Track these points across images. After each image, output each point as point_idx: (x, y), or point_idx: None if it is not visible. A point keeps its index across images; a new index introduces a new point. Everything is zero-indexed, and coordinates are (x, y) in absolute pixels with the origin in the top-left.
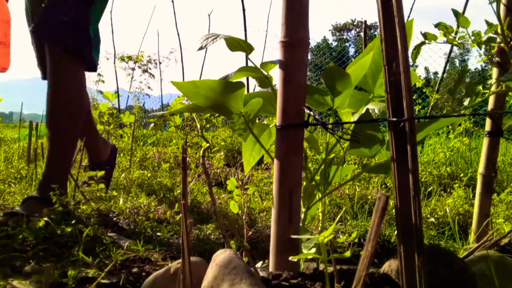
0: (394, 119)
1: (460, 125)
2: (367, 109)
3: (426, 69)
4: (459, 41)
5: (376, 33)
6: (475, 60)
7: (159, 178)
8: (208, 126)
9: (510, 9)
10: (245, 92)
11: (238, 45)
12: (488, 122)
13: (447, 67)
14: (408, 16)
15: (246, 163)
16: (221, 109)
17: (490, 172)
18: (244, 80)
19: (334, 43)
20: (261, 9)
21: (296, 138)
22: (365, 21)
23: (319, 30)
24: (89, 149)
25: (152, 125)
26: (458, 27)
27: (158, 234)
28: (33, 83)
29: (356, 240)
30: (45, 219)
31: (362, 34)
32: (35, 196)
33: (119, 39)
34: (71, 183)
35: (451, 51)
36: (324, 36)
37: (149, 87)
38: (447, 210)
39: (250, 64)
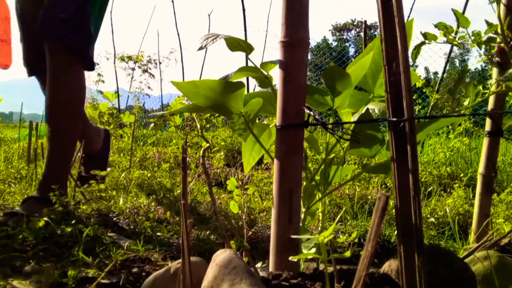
0: (394, 119)
1: (460, 125)
2: (367, 109)
3: (426, 69)
4: (459, 41)
5: (376, 33)
6: (475, 60)
7: (159, 178)
8: (208, 126)
9: (510, 9)
10: (245, 92)
11: (238, 45)
12: (488, 122)
13: (447, 67)
14: (408, 16)
15: (246, 163)
16: (221, 109)
17: (490, 172)
18: (244, 80)
19: (334, 43)
20: (261, 9)
21: (296, 138)
22: (365, 21)
23: (319, 30)
24: (82, 141)
25: (152, 125)
26: (458, 27)
27: (158, 234)
28: (33, 83)
29: (356, 240)
30: (45, 219)
31: (362, 34)
32: (35, 196)
33: (119, 39)
34: (71, 183)
35: (451, 51)
36: (324, 36)
37: (149, 87)
38: (447, 210)
39: (250, 64)
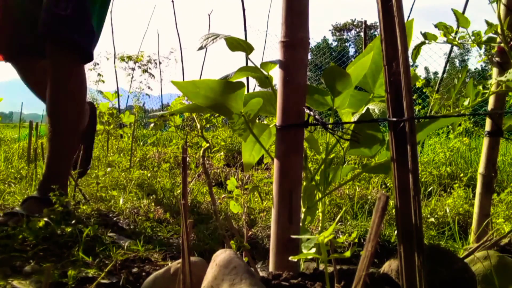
0: (394, 119)
1: (460, 125)
2: (367, 109)
3: (426, 69)
4: (459, 41)
5: (376, 33)
6: (475, 60)
7: (159, 178)
8: (208, 126)
9: (510, 9)
10: (245, 92)
11: (238, 45)
12: (488, 122)
13: (447, 67)
14: (408, 16)
15: (246, 163)
16: (221, 109)
17: (490, 172)
18: (244, 80)
19: (334, 43)
20: (261, 9)
21: (296, 138)
22: (365, 21)
23: (319, 30)
24: None
25: (152, 125)
26: (458, 27)
27: (158, 234)
28: None
29: (356, 240)
30: (45, 219)
31: (362, 34)
32: (35, 196)
33: (119, 39)
34: (71, 183)
35: (451, 51)
36: (324, 36)
37: (149, 87)
38: (447, 210)
39: (250, 64)
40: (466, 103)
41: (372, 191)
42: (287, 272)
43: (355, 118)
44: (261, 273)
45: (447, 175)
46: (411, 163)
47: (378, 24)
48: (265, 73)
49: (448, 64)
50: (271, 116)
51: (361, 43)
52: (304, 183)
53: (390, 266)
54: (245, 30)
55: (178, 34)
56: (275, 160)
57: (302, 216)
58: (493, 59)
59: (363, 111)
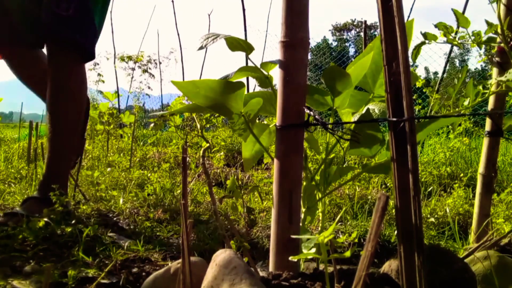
0: (394, 119)
1: (460, 125)
2: (367, 109)
3: (426, 69)
4: (459, 41)
5: (376, 33)
6: (475, 60)
7: (159, 178)
8: (208, 126)
9: (510, 9)
10: (245, 92)
11: (238, 45)
12: (488, 122)
13: (447, 67)
14: (408, 16)
15: (246, 163)
16: (221, 109)
17: (490, 172)
18: (244, 80)
19: (334, 43)
20: (261, 9)
21: (296, 138)
22: (365, 21)
23: (319, 30)
24: None
25: (152, 125)
26: (458, 27)
27: (158, 234)
28: None
29: (356, 240)
30: (45, 219)
31: (362, 34)
32: (35, 196)
33: (119, 39)
34: (71, 183)
35: (451, 51)
36: (324, 36)
37: (149, 87)
38: (447, 210)
39: (250, 64)
40: (466, 103)
41: (372, 191)
42: (287, 272)
43: (355, 118)
44: (261, 273)
45: (447, 175)
46: (411, 163)
47: (378, 24)
48: (265, 73)
49: (448, 64)
50: (271, 116)
51: (361, 43)
52: (304, 183)
53: (390, 266)
54: (245, 30)
55: (178, 34)
56: (275, 160)
57: (302, 216)
58: (493, 59)
59: (363, 111)
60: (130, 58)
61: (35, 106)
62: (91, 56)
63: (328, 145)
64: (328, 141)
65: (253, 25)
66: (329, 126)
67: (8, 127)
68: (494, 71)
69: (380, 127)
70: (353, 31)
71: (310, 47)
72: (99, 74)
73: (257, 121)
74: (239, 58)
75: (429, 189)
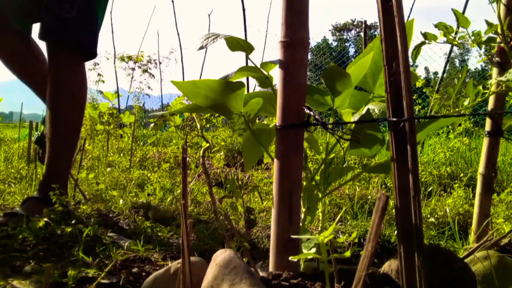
0: (394, 119)
1: (460, 125)
2: (367, 109)
3: (426, 69)
4: (459, 41)
5: (376, 33)
6: (475, 60)
7: (159, 178)
8: (208, 126)
9: (510, 9)
10: (245, 92)
11: (238, 45)
12: (488, 122)
13: (447, 67)
14: (408, 16)
15: (246, 163)
16: (221, 109)
17: (490, 172)
18: (244, 80)
19: (334, 43)
20: (261, 9)
21: (296, 138)
22: (365, 21)
23: (319, 30)
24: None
25: (152, 125)
26: (458, 27)
27: (158, 234)
28: None
29: (356, 240)
30: (45, 219)
31: (362, 34)
32: (35, 196)
33: (119, 39)
34: (71, 183)
35: (451, 51)
36: (324, 36)
37: (149, 87)
38: (447, 210)
39: (250, 64)
40: (466, 103)
41: (372, 191)
42: (287, 272)
43: (355, 118)
44: (261, 273)
45: (447, 175)
46: (411, 163)
47: (378, 24)
48: (265, 73)
49: (448, 64)
50: (271, 116)
51: (361, 43)
52: (304, 183)
53: (390, 266)
54: (245, 30)
55: (178, 34)
56: (275, 160)
57: (302, 216)
58: (493, 59)
59: (363, 111)
60: (130, 58)
61: (35, 106)
62: (92, 55)
63: (328, 145)
64: (328, 141)
65: (253, 25)
66: (329, 126)
67: (8, 127)
68: (494, 71)
69: (380, 127)
70: (353, 31)
71: (310, 47)
72: (99, 74)
73: (257, 121)
74: (239, 58)
75: (429, 189)
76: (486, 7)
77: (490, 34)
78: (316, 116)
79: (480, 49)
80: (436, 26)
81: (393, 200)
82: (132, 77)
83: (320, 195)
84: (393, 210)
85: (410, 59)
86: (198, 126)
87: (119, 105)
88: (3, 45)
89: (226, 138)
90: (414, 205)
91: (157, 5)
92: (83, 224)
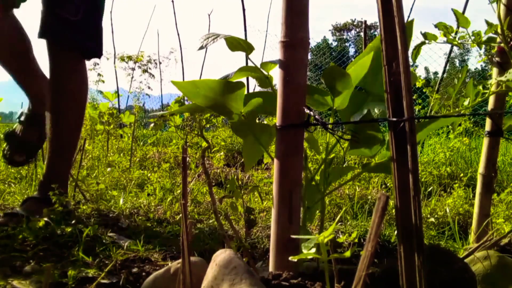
0: (394, 119)
1: (460, 125)
2: (367, 109)
3: (426, 69)
4: (459, 41)
5: (376, 33)
6: (475, 60)
7: (159, 178)
8: (208, 126)
9: (510, 9)
10: (245, 92)
11: (238, 45)
12: (488, 122)
13: (447, 67)
14: (408, 16)
15: (247, 163)
16: (221, 109)
17: (490, 172)
18: (244, 80)
19: (334, 43)
20: (261, 9)
21: (296, 138)
22: (365, 21)
23: (319, 30)
24: (34, 94)
25: (152, 125)
26: (458, 27)
27: (158, 234)
28: None
29: (356, 240)
30: (45, 219)
31: (362, 34)
32: (35, 196)
33: (119, 39)
34: (71, 183)
35: (451, 51)
36: (324, 36)
37: (149, 87)
38: (447, 210)
39: (250, 64)
40: (466, 103)
41: (372, 191)
42: (287, 272)
43: (355, 118)
44: (261, 273)
45: (447, 175)
46: (411, 163)
47: (378, 24)
48: (265, 73)
49: (448, 64)
50: (271, 116)
51: (361, 43)
52: (304, 183)
53: (390, 266)
54: (245, 30)
55: (178, 34)
56: (275, 160)
57: (302, 216)
58: (493, 59)
59: (363, 111)
60: (130, 58)
61: None
62: (95, 54)
63: (328, 145)
64: (328, 141)
65: (253, 25)
66: (329, 126)
67: (8, 127)
68: (494, 71)
69: (380, 127)
70: (353, 31)
71: (310, 47)
72: (99, 74)
73: (257, 121)
74: (239, 58)
75: (429, 189)
76: (486, 7)
77: (490, 34)
78: (316, 116)
79: (480, 49)
80: (436, 26)
81: (393, 200)
82: (132, 77)
83: (320, 195)
84: (393, 210)
85: (410, 59)
86: (198, 126)
87: (119, 105)
88: None
89: (226, 138)
90: (414, 205)
91: (157, 5)
92: (83, 224)
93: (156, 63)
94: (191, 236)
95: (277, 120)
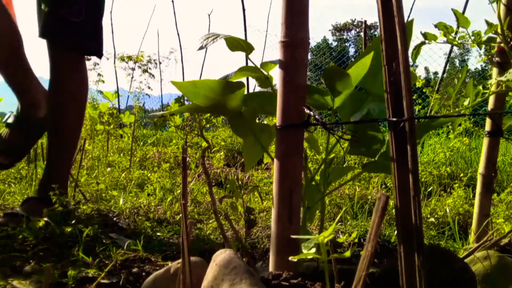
0: (394, 119)
1: (460, 125)
2: (367, 109)
3: (426, 69)
4: (459, 41)
5: (376, 33)
6: (475, 60)
7: (159, 178)
8: (208, 126)
9: (510, 9)
10: (245, 92)
11: (238, 45)
12: (488, 122)
13: (447, 67)
14: (408, 16)
15: (247, 163)
16: (221, 109)
17: (490, 172)
18: (244, 80)
19: (334, 43)
20: (261, 9)
21: (296, 138)
22: (365, 21)
23: (319, 30)
24: (24, 96)
25: (152, 124)
26: (458, 27)
27: (158, 234)
28: None
29: (356, 240)
30: (45, 219)
31: (362, 34)
32: (35, 196)
33: (119, 39)
34: (71, 183)
35: (451, 51)
36: (324, 36)
37: (149, 87)
38: (447, 210)
39: (250, 64)
40: (466, 103)
41: (372, 191)
42: (287, 272)
43: (355, 118)
44: (261, 273)
45: (447, 175)
46: (411, 163)
47: (378, 24)
48: (265, 73)
49: (448, 64)
50: (271, 116)
51: (361, 43)
52: (304, 183)
53: (390, 266)
54: (245, 30)
55: (178, 34)
56: (275, 160)
57: (302, 216)
58: (493, 59)
59: (363, 111)
60: (130, 58)
61: None
62: (95, 54)
63: (328, 145)
64: (328, 141)
65: (253, 25)
66: (329, 126)
67: None
68: (494, 71)
69: (380, 127)
70: (353, 31)
71: (310, 47)
72: (99, 74)
73: (257, 121)
74: (239, 58)
75: (429, 189)
76: (486, 7)
77: (490, 34)
78: (316, 116)
79: (480, 49)
80: (436, 26)
81: (393, 200)
82: (132, 77)
83: (320, 195)
84: (393, 210)
85: (410, 59)
86: (198, 126)
87: (119, 105)
88: None
89: (226, 138)
90: (414, 205)
91: (157, 5)
92: (83, 224)
93: (156, 63)
94: (191, 236)
95: (277, 120)
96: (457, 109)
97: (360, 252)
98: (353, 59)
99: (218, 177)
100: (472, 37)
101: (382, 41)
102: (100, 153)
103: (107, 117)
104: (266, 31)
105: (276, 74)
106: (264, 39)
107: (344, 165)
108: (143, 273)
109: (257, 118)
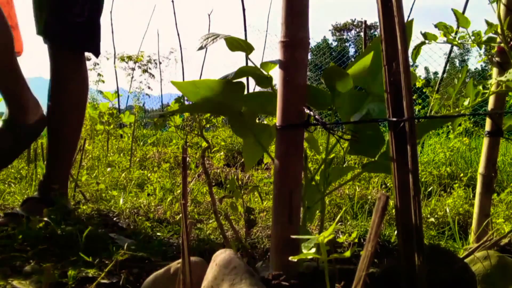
0: (394, 119)
1: (460, 125)
2: (367, 109)
3: (426, 69)
4: (459, 41)
5: (376, 33)
6: (475, 60)
7: (159, 178)
8: (208, 126)
9: (510, 9)
10: (245, 92)
11: (238, 45)
12: (488, 122)
13: (447, 67)
14: (408, 16)
15: (247, 163)
16: (221, 109)
17: (490, 172)
18: (244, 80)
19: (334, 43)
20: (261, 9)
21: (296, 138)
22: (365, 21)
23: (319, 30)
24: (14, 101)
25: (152, 124)
26: (458, 27)
27: (158, 234)
28: (34, 83)
29: (356, 240)
30: (45, 219)
31: (362, 34)
32: (35, 196)
33: (119, 39)
34: (71, 183)
35: (451, 51)
36: (324, 36)
37: (149, 87)
38: (447, 210)
39: (250, 64)
40: (466, 103)
41: (372, 191)
42: (287, 272)
43: (355, 118)
44: (261, 273)
45: (447, 175)
46: (411, 163)
47: (378, 24)
48: (265, 73)
49: (448, 64)
50: (271, 116)
51: (361, 43)
52: (304, 183)
53: (390, 266)
54: (245, 30)
55: (178, 34)
56: (275, 160)
57: (302, 216)
58: (493, 59)
59: (363, 111)
60: (130, 58)
61: None
62: (95, 54)
63: (328, 145)
64: (328, 141)
65: (253, 25)
66: (329, 126)
67: None
68: (494, 71)
69: (380, 127)
70: (353, 31)
71: (310, 47)
72: (99, 74)
73: (257, 121)
74: (239, 58)
75: (429, 189)
76: (486, 7)
77: (490, 34)
78: (316, 116)
79: (480, 49)
80: (436, 26)
81: (393, 200)
82: (132, 77)
83: (320, 195)
84: (393, 210)
85: (410, 59)
86: (198, 126)
87: (119, 105)
88: None
89: (226, 138)
90: (414, 205)
91: (157, 5)
92: (83, 224)
93: (156, 63)
94: (191, 236)
95: (277, 120)
96: (457, 109)
97: (360, 252)
98: (353, 59)
99: (218, 177)
100: (472, 37)
101: (382, 41)
102: (100, 153)
103: (107, 117)
104: (266, 31)
105: (276, 74)
106: (264, 39)
107: (344, 165)
108: (143, 273)
109: (257, 118)
